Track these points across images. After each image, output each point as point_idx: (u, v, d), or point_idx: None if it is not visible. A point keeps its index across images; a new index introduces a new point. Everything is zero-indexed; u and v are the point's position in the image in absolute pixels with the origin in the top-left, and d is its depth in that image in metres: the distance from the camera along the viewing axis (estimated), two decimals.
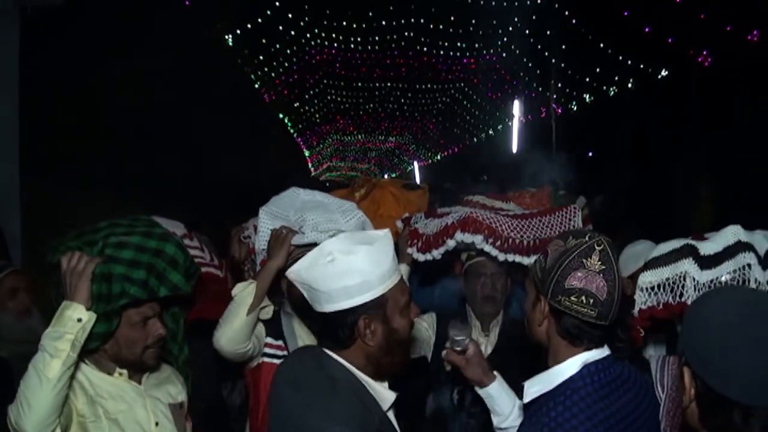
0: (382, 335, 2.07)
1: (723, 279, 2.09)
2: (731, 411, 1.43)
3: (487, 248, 3.05)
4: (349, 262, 1.99)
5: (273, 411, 2.11)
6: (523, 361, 2.47)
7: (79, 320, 2.02)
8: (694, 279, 2.10)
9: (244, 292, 2.89)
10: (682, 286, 2.11)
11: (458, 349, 2.43)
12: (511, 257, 3.03)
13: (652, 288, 2.16)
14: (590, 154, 17.53)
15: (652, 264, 2.20)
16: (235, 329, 2.87)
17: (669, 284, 2.14)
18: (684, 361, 1.54)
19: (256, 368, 3.15)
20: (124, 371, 2.32)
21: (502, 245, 3.03)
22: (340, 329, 2.05)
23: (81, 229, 2.33)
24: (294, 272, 2.09)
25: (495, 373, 2.49)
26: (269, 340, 3.15)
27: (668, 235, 2.42)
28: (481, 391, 2.48)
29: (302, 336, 3.18)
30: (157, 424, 2.37)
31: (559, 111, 15.81)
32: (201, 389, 3.29)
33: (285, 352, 3.11)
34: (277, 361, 3.07)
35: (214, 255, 3.38)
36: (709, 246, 2.15)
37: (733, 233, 2.15)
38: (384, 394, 2.14)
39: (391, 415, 2.18)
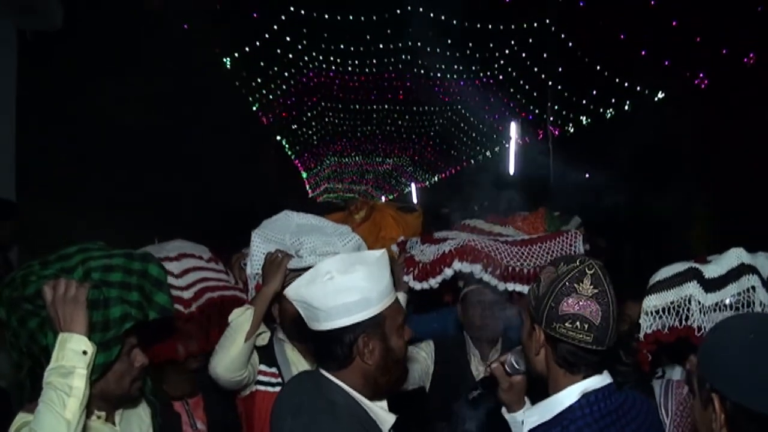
0: (380, 354, 2.07)
1: (727, 302, 2.08)
2: (766, 425, 1.42)
3: (486, 278, 3.00)
4: (348, 279, 2.00)
5: None
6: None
7: (85, 353, 1.87)
8: (699, 302, 2.08)
9: (241, 318, 2.83)
10: (688, 309, 2.08)
11: (509, 371, 2.40)
12: (511, 286, 2.98)
13: (657, 312, 2.13)
14: (587, 175, 17.55)
15: (656, 288, 2.18)
16: (233, 356, 2.81)
17: (674, 308, 2.11)
18: (709, 387, 1.51)
19: (249, 397, 3.08)
20: (102, 414, 2.20)
21: (502, 274, 2.98)
22: (339, 348, 2.05)
23: (42, 257, 2.19)
24: (293, 290, 2.09)
25: (525, 398, 2.46)
26: (263, 367, 3.09)
27: (663, 256, 2.39)
28: (507, 416, 2.45)
29: (295, 362, 3.13)
30: None
31: (557, 133, 15.85)
32: (223, 412, 3.24)
33: (279, 380, 3.06)
34: (270, 389, 3.02)
35: (240, 279, 3.35)
36: (713, 269, 2.14)
37: (736, 256, 2.14)
38: (384, 416, 2.14)
39: None
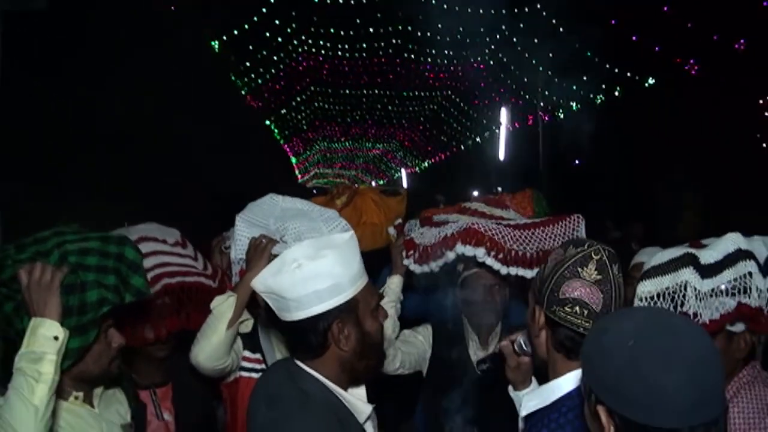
0: (356, 339, 2.02)
1: (723, 288, 2.03)
2: None
3: (489, 261, 2.93)
4: (317, 266, 1.95)
5: (249, 427, 2.07)
6: None
7: (56, 338, 1.85)
8: (695, 288, 2.02)
9: (223, 306, 2.74)
10: (683, 296, 2.02)
11: (517, 350, 2.36)
12: (513, 270, 2.92)
13: (652, 297, 2.07)
14: (576, 162, 17.57)
15: (651, 273, 2.11)
16: (214, 345, 2.73)
17: (669, 294, 2.05)
18: (595, 399, 1.40)
19: (233, 383, 3.01)
20: (80, 394, 2.16)
21: (505, 258, 2.92)
22: (313, 336, 2.00)
23: (17, 240, 2.14)
24: (260, 282, 2.04)
25: (533, 378, 2.42)
26: (247, 353, 3.02)
27: (652, 244, 2.31)
28: (513, 393, 2.41)
29: (281, 349, 3.07)
30: None
31: (546, 119, 15.84)
32: (192, 404, 3.16)
33: (263, 366, 2.98)
34: (255, 375, 2.95)
35: (208, 264, 3.27)
36: (709, 254, 2.08)
37: (732, 241, 2.08)
38: (360, 406, 2.10)
39: (368, 426, 2.14)
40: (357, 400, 2.10)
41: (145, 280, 2.24)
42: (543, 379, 2.07)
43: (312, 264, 1.94)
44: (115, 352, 2.18)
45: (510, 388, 2.42)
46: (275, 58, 16.54)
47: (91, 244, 2.13)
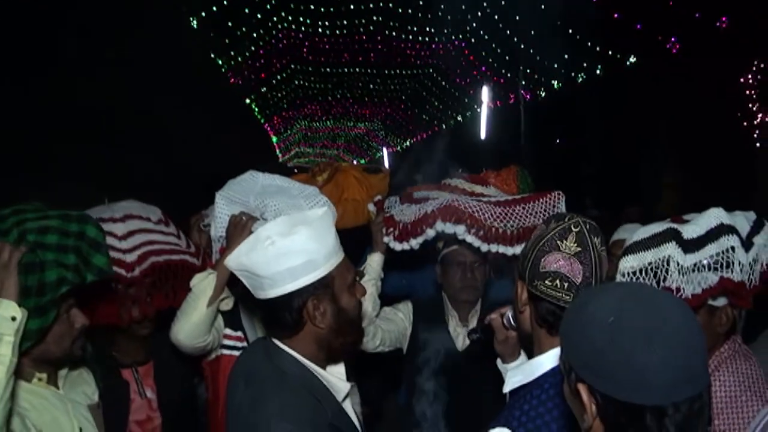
0: (332, 316, 2.01)
1: (705, 262, 2.03)
2: (642, 417, 1.26)
3: (470, 239, 2.93)
4: (291, 242, 1.92)
5: (228, 405, 2.06)
6: None
7: (14, 319, 1.80)
8: (677, 263, 2.02)
9: (203, 283, 2.75)
10: (666, 271, 2.03)
11: (506, 324, 2.35)
12: (494, 247, 2.92)
13: (634, 273, 2.07)
14: (558, 141, 17.60)
15: (633, 248, 2.11)
16: (194, 323, 2.73)
17: (651, 269, 2.05)
18: (575, 377, 1.38)
19: (215, 361, 3.02)
20: (44, 376, 2.14)
21: (485, 235, 2.92)
22: (288, 314, 1.98)
23: None
24: (233, 260, 2.01)
25: (522, 352, 2.42)
26: (228, 331, 3.03)
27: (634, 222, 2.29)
28: (501, 366, 2.43)
29: (262, 326, 3.07)
30: (80, 430, 2.20)
31: (528, 97, 15.80)
32: (173, 381, 3.16)
33: (244, 344, 3.00)
34: (236, 353, 2.95)
35: (191, 242, 3.23)
36: (692, 229, 2.08)
37: (715, 216, 2.09)
38: (338, 385, 2.08)
39: (347, 404, 2.13)
40: (335, 378, 2.08)
41: (107, 258, 2.20)
42: (533, 355, 2.06)
43: (285, 240, 1.91)
44: (78, 333, 2.15)
45: (498, 361, 2.43)
46: (255, 35, 16.36)
47: (51, 223, 2.09)
